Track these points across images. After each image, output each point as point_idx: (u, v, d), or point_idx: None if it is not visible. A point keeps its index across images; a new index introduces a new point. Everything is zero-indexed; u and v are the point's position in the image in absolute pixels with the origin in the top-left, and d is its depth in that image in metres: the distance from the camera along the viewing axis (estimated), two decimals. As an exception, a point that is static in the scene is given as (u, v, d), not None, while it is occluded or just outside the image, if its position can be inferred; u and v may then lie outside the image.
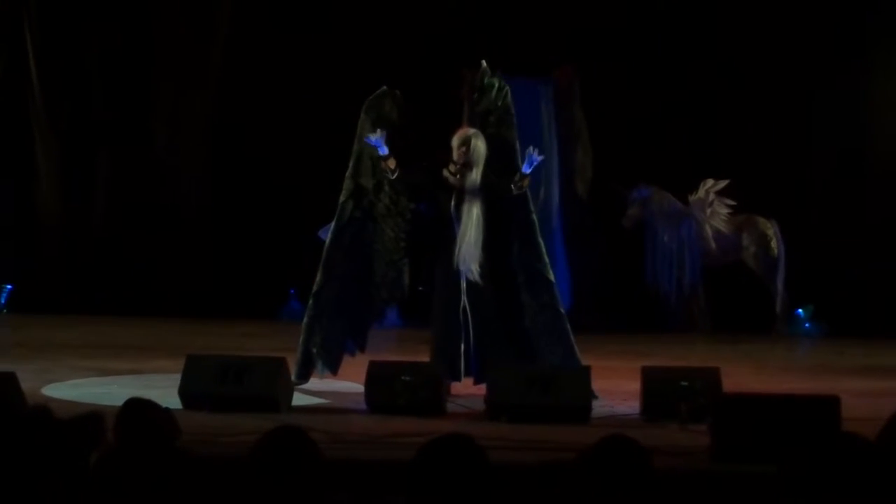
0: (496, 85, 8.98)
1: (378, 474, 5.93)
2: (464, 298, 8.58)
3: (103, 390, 8.70)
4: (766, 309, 14.44)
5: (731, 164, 14.59)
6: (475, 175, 8.65)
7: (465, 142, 8.66)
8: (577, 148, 15.06)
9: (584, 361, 8.63)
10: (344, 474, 4.37)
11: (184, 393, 7.90)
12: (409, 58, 14.54)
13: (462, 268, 8.56)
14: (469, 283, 8.58)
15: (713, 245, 14.72)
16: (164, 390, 8.28)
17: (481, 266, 8.57)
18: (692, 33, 14.82)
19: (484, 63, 9.00)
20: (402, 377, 7.92)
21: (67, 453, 3.90)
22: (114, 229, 15.42)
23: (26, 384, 7.51)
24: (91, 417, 4.32)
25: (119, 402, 7.84)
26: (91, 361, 10.30)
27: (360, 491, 3.76)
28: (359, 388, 8.29)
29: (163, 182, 15.33)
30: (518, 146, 8.93)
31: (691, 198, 14.75)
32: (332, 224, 8.93)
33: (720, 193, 14.65)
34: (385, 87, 9.04)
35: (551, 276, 8.78)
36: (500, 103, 8.95)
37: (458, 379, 8.50)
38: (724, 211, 14.66)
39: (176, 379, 8.06)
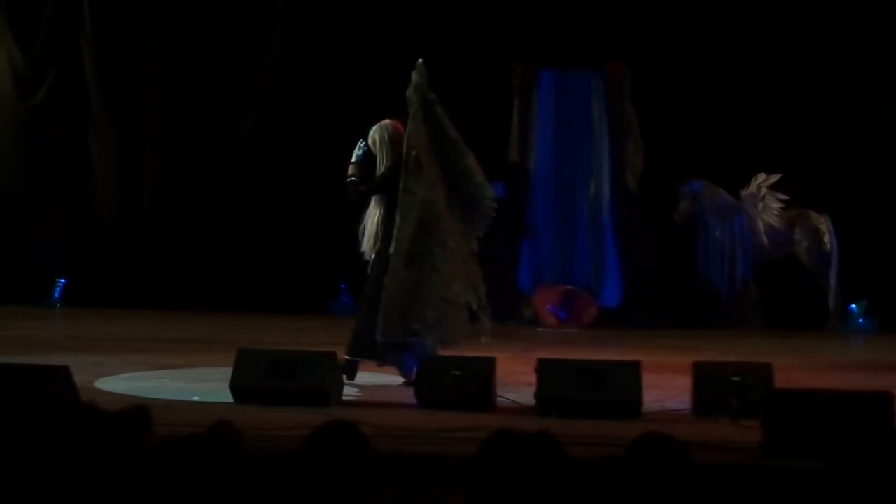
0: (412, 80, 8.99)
1: (428, 469, 5.94)
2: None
3: (155, 384, 8.76)
4: (819, 304, 14.34)
5: (783, 159, 14.49)
6: (380, 166, 9.10)
7: (370, 136, 9.14)
8: (627, 142, 15.02)
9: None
10: (394, 468, 4.38)
11: (235, 387, 7.95)
12: (460, 52, 14.55)
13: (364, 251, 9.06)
14: (369, 266, 9.03)
15: (765, 239, 14.64)
16: (215, 384, 8.35)
17: (376, 252, 8.96)
18: (745, 26, 14.73)
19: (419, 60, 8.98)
20: (453, 371, 7.92)
21: (113, 446, 3.93)
22: (166, 225, 15.53)
23: (79, 378, 7.56)
24: (137, 410, 4.34)
25: (170, 396, 7.99)
26: (143, 355, 10.37)
27: (411, 485, 3.75)
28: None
29: (215, 177, 15.42)
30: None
31: (743, 192, 14.67)
32: None
33: (772, 188, 14.57)
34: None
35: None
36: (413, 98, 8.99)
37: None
38: (777, 205, 14.58)
39: (227, 373, 8.10)
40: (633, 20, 14.79)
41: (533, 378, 7.87)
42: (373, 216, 9.06)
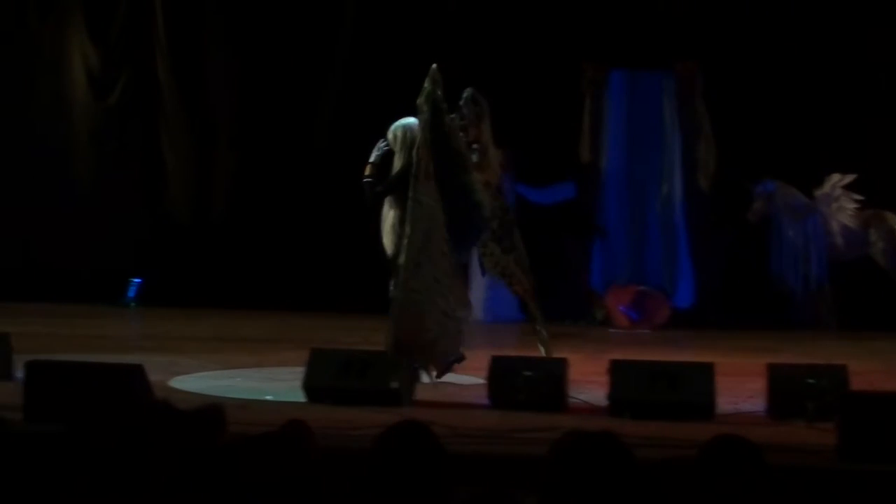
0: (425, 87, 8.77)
1: (501, 469, 5.94)
2: None
3: (228, 383, 8.82)
4: (895, 305, 14.17)
5: (858, 159, 14.34)
6: (397, 164, 8.98)
7: (391, 132, 9.00)
8: (699, 142, 14.94)
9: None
10: (466, 469, 4.38)
11: (308, 387, 7.98)
12: (531, 51, 14.55)
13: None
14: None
15: (839, 240, 14.50)
16: (289, 384, 8.39)
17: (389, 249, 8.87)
18: (816, 25, 14.60)
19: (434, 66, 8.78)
20: (524, 372, 7.92)
21: (188, 444, 3.96)
22: (239, 224, 15.63)
23: (154, 376, 7.62)
24: (212, 409, 4.37)
25: (243, 396, 8.03)
26: (217, 355, 10.44)
27: (483, 486, 3.75)
28: (480, 381, 8.32)
29: (287, 177, 15.49)
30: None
31: (817, 192, 14.54)
32: None
33: (847, 188, 14.42)
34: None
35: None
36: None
37: None
38: (851, 206, 14.43)
39: (300, 372, 8.14)
40: (705, 20, 14.69)
41: (605, 379, 7.84)
42: (387, 219, 8.94)
